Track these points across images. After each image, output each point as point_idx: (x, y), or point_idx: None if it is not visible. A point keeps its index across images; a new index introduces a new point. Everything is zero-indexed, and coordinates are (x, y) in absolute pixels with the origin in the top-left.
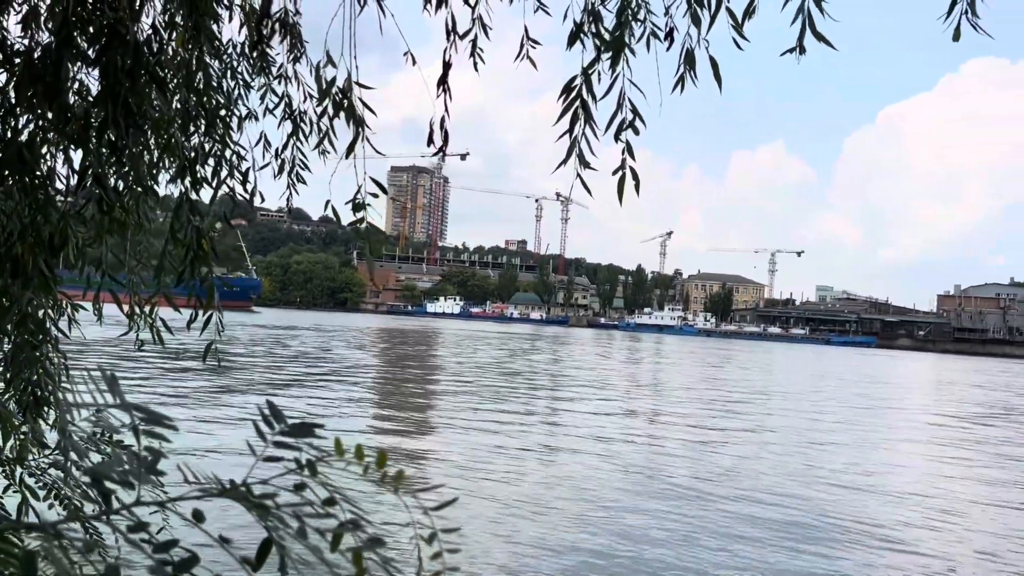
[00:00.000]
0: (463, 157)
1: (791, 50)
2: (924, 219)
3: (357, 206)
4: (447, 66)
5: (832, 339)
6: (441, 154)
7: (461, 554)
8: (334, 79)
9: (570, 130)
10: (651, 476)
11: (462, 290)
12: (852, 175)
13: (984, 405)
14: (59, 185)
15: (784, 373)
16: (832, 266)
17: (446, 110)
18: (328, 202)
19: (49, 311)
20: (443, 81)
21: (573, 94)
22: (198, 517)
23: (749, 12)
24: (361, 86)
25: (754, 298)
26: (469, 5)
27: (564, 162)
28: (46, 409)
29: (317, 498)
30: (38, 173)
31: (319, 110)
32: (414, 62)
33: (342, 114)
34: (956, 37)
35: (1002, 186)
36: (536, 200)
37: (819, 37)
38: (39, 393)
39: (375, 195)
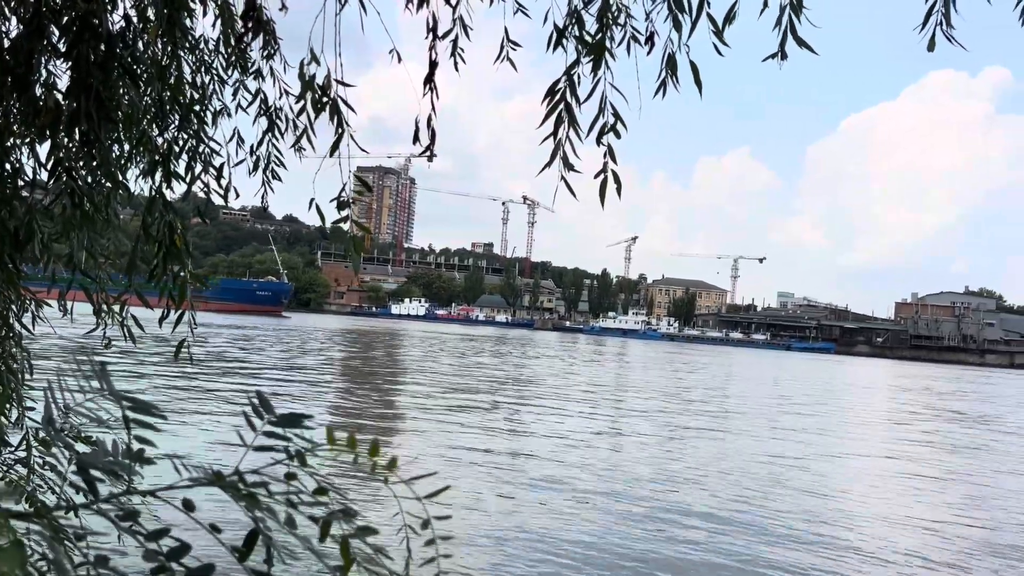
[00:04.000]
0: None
1: (773, 55)
2: (885, 227)
3: (342, 204)
4: (433, 64)
5: (793, 345)
6: (428, 153)
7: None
8: (314, 76)
9: (554, 133)
10: (605, 475)
11: (427, 292)
12: (815, 182)
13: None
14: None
15: (742, 379)
16: (794, 272)
17: (433, 109)
18: (312, 200)
19: (12, 307)
20: (429, 79)
21: (557, 97)
22: (188, 506)
23: (729, 18)
24: (342, 84)
25: (717, 303)
26: (450, 5)
27: (548, 164)
28: (8, 406)
29: (306, 488)
30: (7, 166)
31: (297, 107)
32: (400, 59)
33: (324, 112)
34: (931, 47)
35: (962, 195)
36: (503, 203)
37: (801, 43)
38: (1, 389)
39: (360, 192)
